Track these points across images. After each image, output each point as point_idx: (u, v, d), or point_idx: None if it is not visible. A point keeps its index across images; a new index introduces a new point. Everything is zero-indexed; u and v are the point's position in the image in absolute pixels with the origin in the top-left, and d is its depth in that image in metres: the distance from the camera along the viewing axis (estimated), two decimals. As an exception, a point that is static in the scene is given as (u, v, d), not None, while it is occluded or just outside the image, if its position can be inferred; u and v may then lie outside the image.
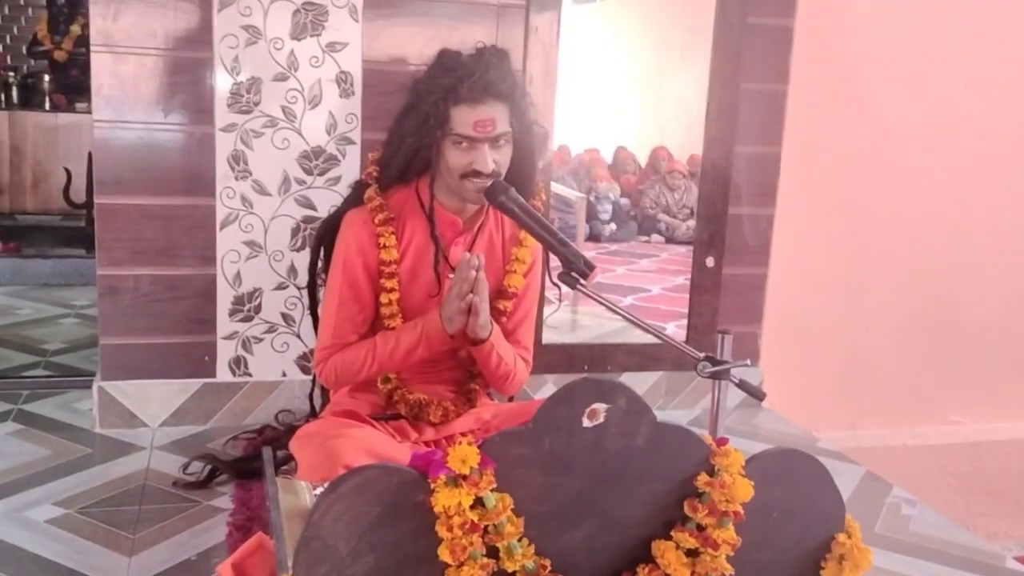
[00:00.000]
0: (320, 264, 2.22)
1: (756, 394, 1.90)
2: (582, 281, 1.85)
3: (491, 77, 1.88)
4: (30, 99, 6.42)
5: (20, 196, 5.97)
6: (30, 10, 7.08)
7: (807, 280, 3.26)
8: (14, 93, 6.40)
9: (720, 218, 3.07)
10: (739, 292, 3.16)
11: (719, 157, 3.03)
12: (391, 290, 1.99)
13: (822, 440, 3.02)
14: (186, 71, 2.59)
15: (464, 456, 1.18)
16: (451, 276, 1.95)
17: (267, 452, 1.61)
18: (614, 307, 1.87)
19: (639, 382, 3.09)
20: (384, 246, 1.98)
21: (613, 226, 7.80)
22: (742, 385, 1.85)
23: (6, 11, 7.13)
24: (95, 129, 2.57)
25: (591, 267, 1.85)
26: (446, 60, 1.95)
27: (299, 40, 2.63)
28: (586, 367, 3.05)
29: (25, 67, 6.86)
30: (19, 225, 5.63)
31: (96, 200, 2.60)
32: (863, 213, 3.29)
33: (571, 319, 4.78)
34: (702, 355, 1.81)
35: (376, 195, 2.01)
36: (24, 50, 6.88)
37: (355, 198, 2.08)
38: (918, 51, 3.24)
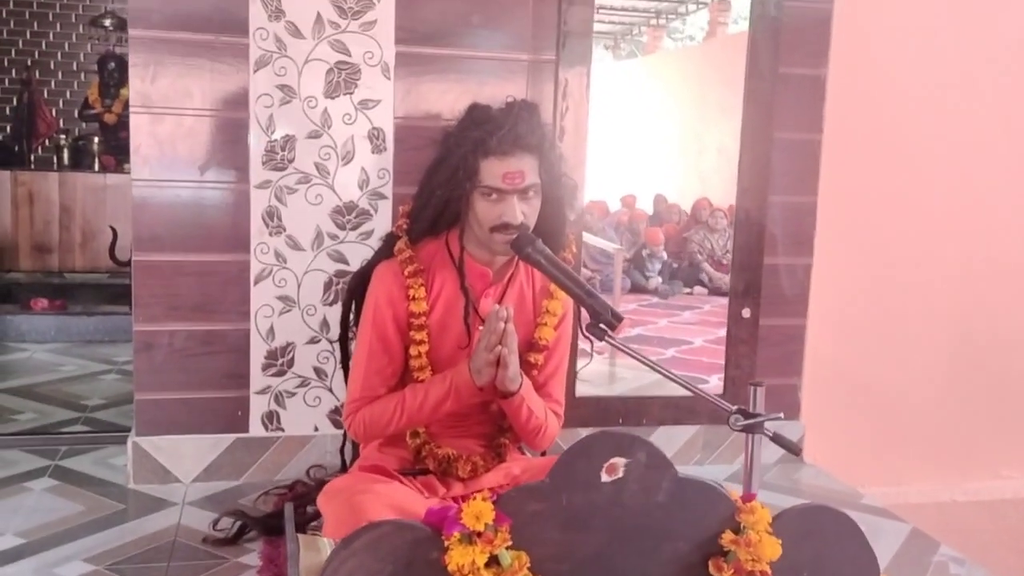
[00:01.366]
0: (352, 317, 2.22)
1: (791, 448, 1.84)
2: (610, 333, 1.83)
3: (520, 130, 1.89)
4: (80, 161, 6.63)
5: (69, 255, 6.12)
6: (83, 75, 7.33)
7: (847, 330, 3.19)
8: (65, 155, 6.61)
9: (756, 268, 3.02)
10: (777, 343, 3.10)
11: (753, 207, 3.00)
12: (420, 342, 1.98)
13: (866, 496, 2.93)
14: (222, 130, 2.64)
15: (478, 512, 1.16)
16: (481, 328, 1.93)
17: (288, 508, 1.60)
18: (644, 359, 1.85)
19: (675, 436, 3.03)
20: (413, 298, 1.98)
21: (659, 279, 7.78)
22: (776, 439, 1.81)
23: (60, 76, 7.39)
24: (133, 188, 2.62)
25: (619, 319, 1.83)
26: (476, 114, 1.96)
27: (332, 98, 2.67)
28: (621, 420, 3.00)
29: (77, 130, 7.09)
30: (67, 283, 5.76)
31: (134, 257, 2.64)
32: (902, 260, 3.22)
33: (608, 371, 4.74)
34: (734, 408, 1.77)
35: (406, 247, 2.01)
36: (76, 113, 7.12)
37: (386, 250, 2.08)
38: (952, 97, 3.20)
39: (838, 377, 3.19)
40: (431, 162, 2.02)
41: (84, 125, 7.11)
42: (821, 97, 3.02)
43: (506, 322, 1.82)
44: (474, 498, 1.19)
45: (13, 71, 7.27)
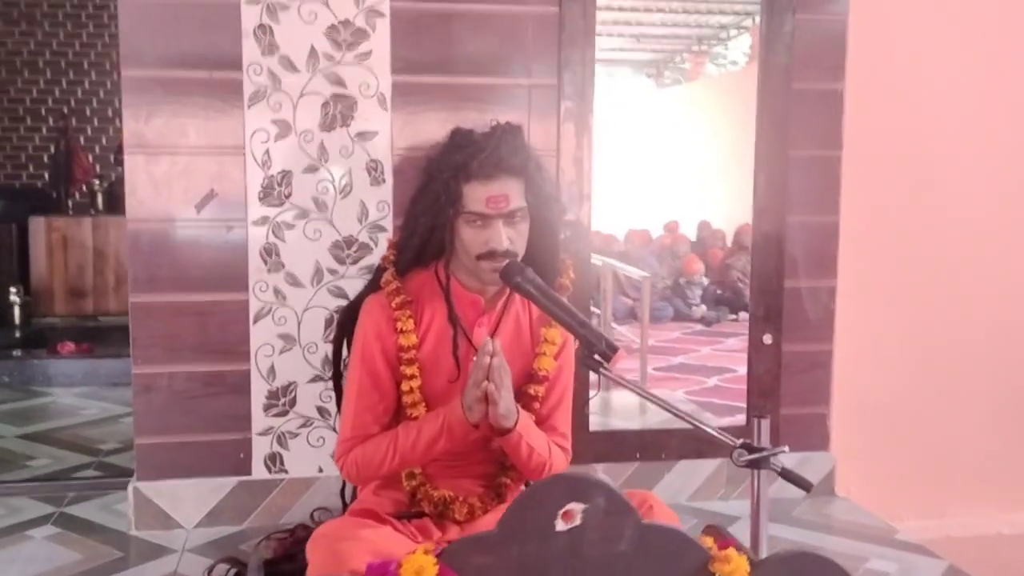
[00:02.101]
0: (344, 353, 2.15)
1: (802, 484, 1.74)
2: (605, 364, 1.74)
3: (502, 152, 1.83)
4: (116, 205, 6.70)
5: (103, 298, 6.19)
6: (117, 121, 7.45)
7: (879, 355, 3.03)
8: (99, 200, 6.70)
9: (776, 292, 2.89)
10: (802, 371, 2.95)
11: (771, 228, 2.87)
12: (412, 377, 1.91)
13: (902, 531, 2.76)
14: (218, 167, 2.60)
15: (419, 567, 1.06)
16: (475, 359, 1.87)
17: (255, 559, 1.51)
18: (642, 391, 1.77)
19: (697, 471, 2.90)
20: (402, 330, 1.91)
21: (703, 307, 7.63)
22: (785, 474, 1.70)
23: (95, 123, 7.53)
24: (129, 229, 2.59)
25: (614, 349, 1.75)
26: (457, 138, 1.91)
27: (329, 131, 2.62)
28: (638, 455, 2.88)
29: (113, 175, 7.20)
30: (101, 326, 5.81)
31: (131, 299, 2.60)
32: (934, 279, 3.06)
33: (638, 402, 4.60)
34: (738, 442, 1.66)
35: (392, 278, 1.95)
36: (112, 159, 7.23)
37: (373, 283, 2.03)
38: (977, 106, 3.05)
39: (870, 405, 3.03)
40: (415, 190, 1.96)
41: (120, 169, 7.20)
42: (839, 112, 2.90)
43: (492, 356, 1.73)
44: (415, 552, 1.10)
45: (50, 119, 7.42)
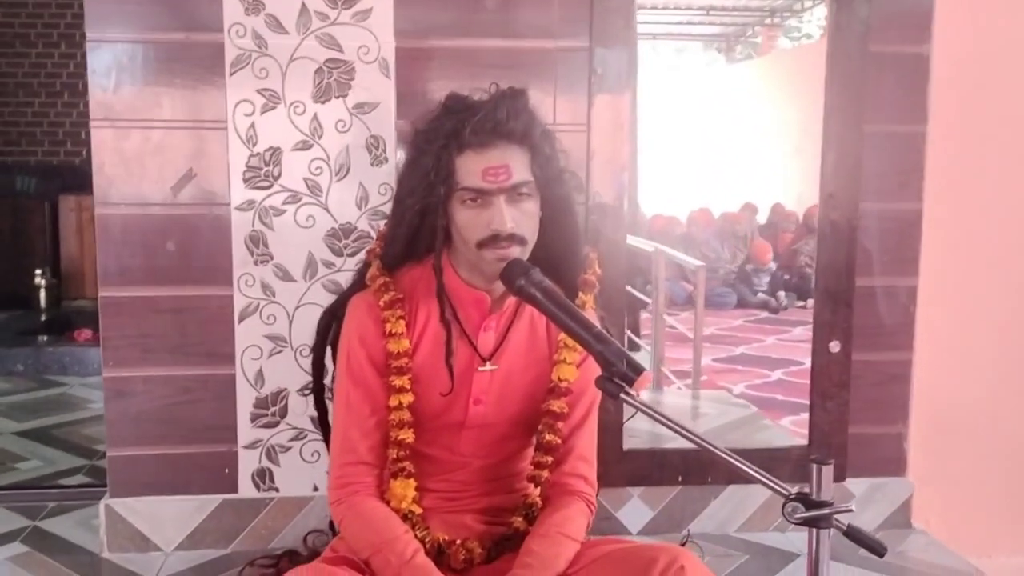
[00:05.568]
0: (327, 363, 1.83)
1: (874, 548, 1.36)
2: (627, 389, 1.39)
3: (499, 115, 1.50)
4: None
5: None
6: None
7: (966, 367, 2.60)
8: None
9: (845, 292, 2.48)
10: (875, 384, 2.54)
11: (840, 217, 2.45)
12: (401, 389, 1.59)
13: (989, 571, 2.35)
14: (197, 144, 2.28)
15: None
16: (483, 368, 1.59)
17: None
18: (671, 423, 1.41)
19: (750, 497, 2.52)
20: (391, 334, 1.58)
21: (766, 293, 7.20)
22: (852, 534, 1.33)
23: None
24: (96, 213, 2.30)
25: (638, 371, 1.41)
26: (449, 103, 1.58)
27: (323, 102, 2.29)
28: (680, 479, 2.49)
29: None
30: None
31: (100, 293, 2.31)
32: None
33: (688, 406, 4.21)
34: (792, 492, 1.30)
35: (380, 273, 1.63)
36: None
37: (358, 280, 1.71)
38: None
39: (955, 424, 2.60)
40: (402, 168, 1.65)
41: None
42: (924, 80, 2.46)
43: None
44: None
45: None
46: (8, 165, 6.92)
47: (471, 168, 1.50)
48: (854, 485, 2.54)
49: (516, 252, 1.50)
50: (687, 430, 1.37)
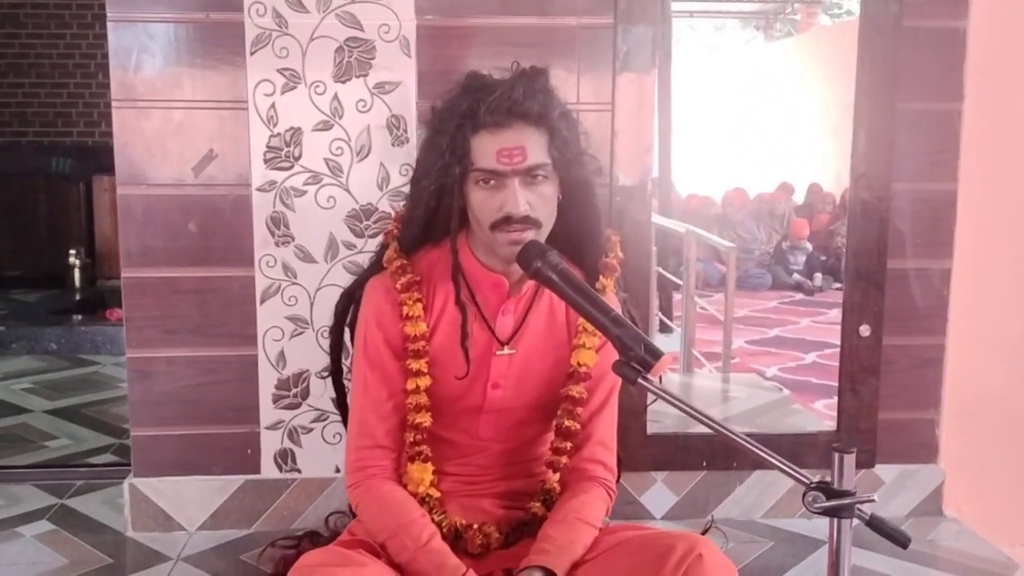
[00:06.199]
0: (347, 346, 1.82)
1: (897, 540, 1.32)
2: (644, 374, 1.36)
3: (515, 95, 1.48)
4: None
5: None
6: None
7: (1001, 352, 2.54)
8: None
9: (876, 274, 2.42)
10: (907, 368, 2.48)
11: (872, 197, 2.39)
12: (418, 373, 1.58)
13: (1021, 559, 2.29)
14: (217, 124, 2.27)
15: None
16: (501, 352, 1.58)
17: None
18: (690, 409, 1.37)
19: (774, 484, 2.47)
20: (408, 316, 1.58)
21: (802, 274, 7.10)
22: (875, 524, 1.29)
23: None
24: (119, 194, 2.30)
25: (656, 355, 1.37)
26: (468, 82, 1.57)
27: (343, 82, 2.26)
28: (704, 463, 2.46)
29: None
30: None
31: (123, 274, 2.31)
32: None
33: (719, 389, 4.16)
34: (813, 481, 1.26)
35: (397, 255, 1.62)
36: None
37: (376, 263, 1.70)
38: None
39: (988, 409, 2.54)
40: (419, 148, 1.63)
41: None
42: (960, 56, 2.38)
43: None
44: None
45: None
46: (44, 146, 6.99)
47: (486, 149, 1.48)
48: (884, 471, 2.49)
49: (530, 235, 1.48)
50: (707, 416, 1.35)
